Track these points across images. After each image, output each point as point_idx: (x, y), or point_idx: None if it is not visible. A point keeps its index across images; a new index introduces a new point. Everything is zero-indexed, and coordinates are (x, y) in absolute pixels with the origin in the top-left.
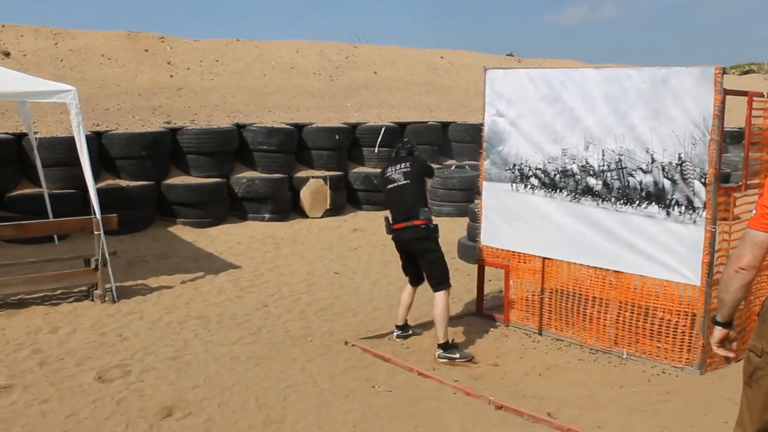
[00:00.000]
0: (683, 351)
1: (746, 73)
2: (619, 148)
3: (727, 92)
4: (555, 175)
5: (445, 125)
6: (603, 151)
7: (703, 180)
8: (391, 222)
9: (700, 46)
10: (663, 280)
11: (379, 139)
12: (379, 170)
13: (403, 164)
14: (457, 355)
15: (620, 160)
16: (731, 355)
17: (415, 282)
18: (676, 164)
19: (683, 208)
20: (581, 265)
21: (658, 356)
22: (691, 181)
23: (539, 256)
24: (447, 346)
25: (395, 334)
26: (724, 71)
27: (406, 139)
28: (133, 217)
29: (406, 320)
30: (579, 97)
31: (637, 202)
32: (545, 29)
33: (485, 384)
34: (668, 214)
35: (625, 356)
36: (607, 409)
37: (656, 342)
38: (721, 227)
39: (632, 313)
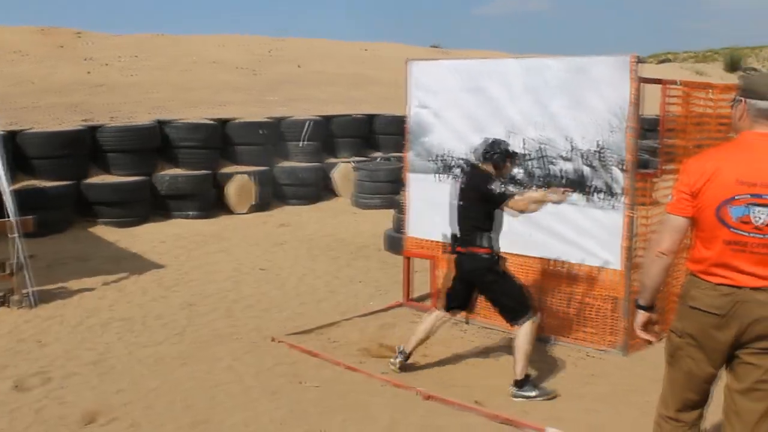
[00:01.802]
0: (606, 334)
1: (663, 62)
2: (540, 136)
3: (642, 80)
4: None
5: (371, 118)
6: (524, 140)
7: (621, 166)
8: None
9: (623, 36)
10: (584, 265)
11: (304, 133)
12: (304, 165)
13: (467, 177)
14: (534, 393)
15: (541, 148)
16: (653, 338)
17: (454, 308)
18: (596, 151)
19: (603, 194)
20: (507, 253)
21: (583, 340)
22: (610, 168)
23: None
24: (523, 384)
25: (397, 359)
26: (639, 60)
27: (491, 141)
28: (52, 218)
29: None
30: (500, 87)
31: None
32: (477, 21)
33: (413, 375)
34: (589, 200)
35: (552, 342)
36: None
37: (581, 326)
38: (640, 212)
39: (558, 298)
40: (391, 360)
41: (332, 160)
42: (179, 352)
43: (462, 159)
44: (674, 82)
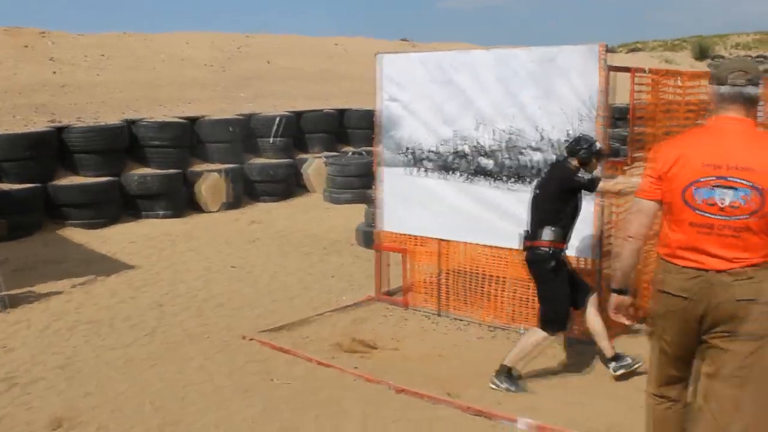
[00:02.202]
0: (582, 323)
1: (632, 51)
2: (510, 127)
3: (611, 69)
4: (448, 156)
5: (342, 112)
6: (494, 131)
7: None
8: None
9: (592, 27)
10: None
11: (274, 129)
12: (275, 161)
13: (551, 168)
14: (513, 388)
15: (511, 139)
16: (627, 321)
17: (579, 304)
18: (566, 141)
19: None
20: (477, 244)
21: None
22: None
23: (436, 238)
24: (504, 373)
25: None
26: (608, 49)
27: (579, 137)
28: (19, 221)
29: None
30: (470, 79)
31: (529, 179)
32: (443, 14)
33: (386, 369)
34: None
35: (522, 331)
36: None
37: None
38: (610, 200)
39: (528, 288)
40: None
41: (303, 155)
42: (149, 354)
43: (432, 151)
44: (643, 70)
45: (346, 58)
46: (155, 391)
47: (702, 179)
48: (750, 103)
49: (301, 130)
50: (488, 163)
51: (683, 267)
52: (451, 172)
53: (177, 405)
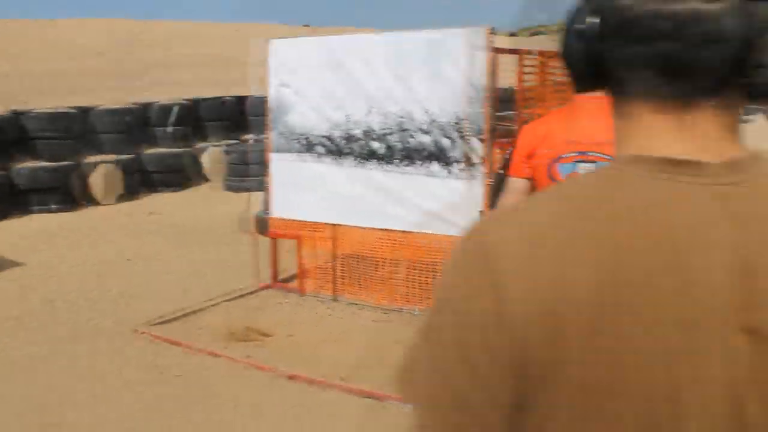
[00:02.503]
0: None
1: (535, 34)
2: (400, 110)
3: (497, 51)
4: (340, 141)
5: (241, 99)
6: (385, 114)
7: (479, 136)
8: None
9: (498, 10)
10: (448, 236)
11: (171, 118)
12: (173, 150)
13: None
14: None
15: (401, 122)
16: None
17: None
18: (454, 123)
19: (462, 164)
20: (370, 228)
21: None
22: (468, 139)
23: (329, 224)
24: None
25: None
26: (493, 31)
27: None
28: None
29: None
30: (360, 63)
31: (420, 162)
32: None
33: (279, 356)
34: (449, 171)
35: (417, 313)
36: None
37: None
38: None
39: (421, 270)
40: None
41: (202, 144)
42: (35, 353)
43: (324, 136)
44: (530, 52)
45: (247, 44)
46: (40, 392)
47: (564, 155)
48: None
49: (200, 119)
50: (380, 146)
51: None
52: (343, 157)
53: (62, 404)
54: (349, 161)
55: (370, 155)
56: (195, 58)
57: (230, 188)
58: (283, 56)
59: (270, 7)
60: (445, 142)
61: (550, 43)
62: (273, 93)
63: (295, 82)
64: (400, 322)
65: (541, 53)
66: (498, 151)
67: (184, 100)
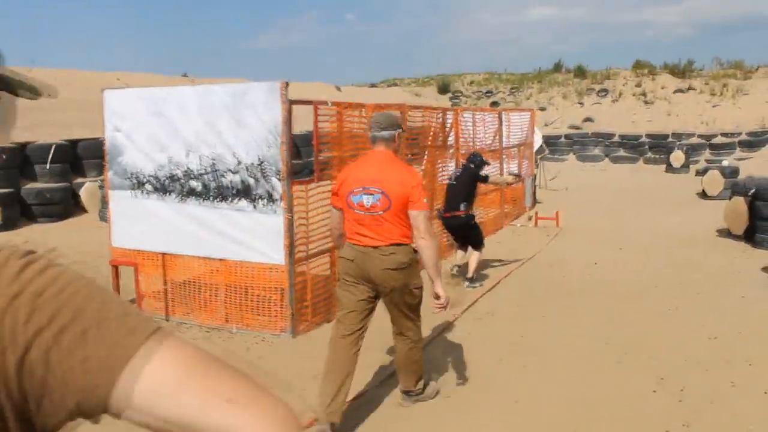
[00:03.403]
0: (277, 320)
1: (391, 86)
2: (212, 153)
3: (293, 102)
4: (164, 180)
5: None
6: (200, 156)
7: (278, 176)
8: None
9: (370, 64)
10: (257, 263)
11: (50, 156)
12: (51, 185)
13: (463, 169)
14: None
15: (213, 163)
16: None
17: (461, 247)
18: (257, 164)
19: (266, 200)
20: (194, 256)
21: (258, 327)
22: (269, 178)
23: (160, 252)
24: (472, 281)
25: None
26: (287, 85)
27: (475, 152)
28: None
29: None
30: (178, 111)
31: (230, 198)
32: (247, 52)
33: None
34: (255, 207)
35: (234, 331)
36: None
37: (257, 315)
38: (299, 214)
39: (237, 293)
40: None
41: (80, 179)
42: None
43: (151, 176)
44: (325, 103)
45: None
46: None
47: (355, 189)
48: (387, 141)
49: (78, 157)
50: (197, 185)
51: (352, 244)
52: (167, 194)
53: None
54: (172, 198)
55: (190, 193)
56: (76, 103)
57: (105, 219)
58: (115, 104)
59: (151, 59)
60: (251, 181)
61: (403, 94)
62: (108, 137)
63: (126, 127)
64: (218, 339)
65: (338, 104)
66: (298, 188)
67: (63, 140)
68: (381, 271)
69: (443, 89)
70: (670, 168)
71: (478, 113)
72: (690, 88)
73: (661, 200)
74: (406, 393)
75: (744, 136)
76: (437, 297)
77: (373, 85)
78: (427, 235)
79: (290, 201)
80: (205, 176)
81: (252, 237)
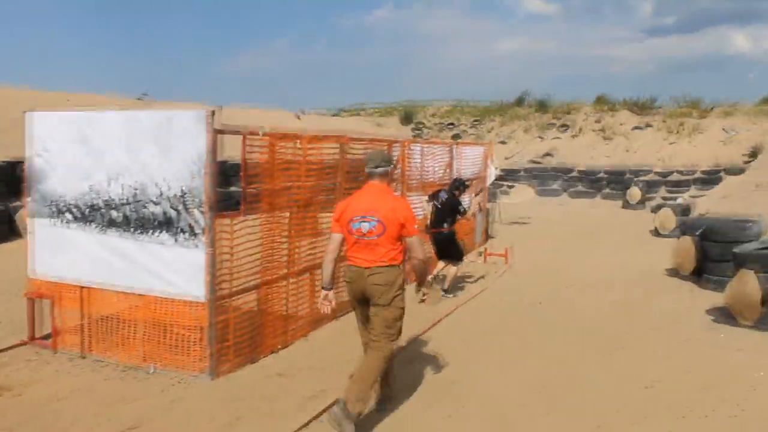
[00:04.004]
0: (196, 361)
1: (355, 115)
2: (135, 182)
3: (220, 132)
4: (85, 209)
5: None
6: (122, 185)
7: (201, 209)
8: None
9: (349, 90)
10: (177, 299)
11: None
12: None
13: (447, 195)
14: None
15: (136, 193)
16: (328, 310)
17: (442, 259)
18: (180, 196)
19: (188, 234)
20: (113, 290)
21: (177, 367)
22: (192, 210)
23: (79, 285)
24: (447, 291)
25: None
26: (213, 113)
27: (457, 177)
28: None
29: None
30: (102, 136)
31: (151, 231)
32: (226, 74)
33: (3, 414)
34: (176, 240)
35: (152, 371)
36: (111, 424)
37: (175, 354)
38: (223, 249)
39: (156, 330)
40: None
41: (18, 203)
42: None
43: (72, 204)
44: (256, 133)
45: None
46: None
47: (355, 218)
48: (381, 176)
49: (18, 179)
50: (118, 215)
51: (350, 265)
52: (88, 224)
53: None
54: (93, 228)
55: (111, 223)
56: (21, 122)
57: None
58: (37, 127)
59: (107, 79)
60: (173, 213)
61: (364, 123)
62: (29, 161)
63: (48, 152)
64: (131, 379)
65: (270, 134)
66: (222, 222)
67: (2, 161)
68: (371, 285)
69: (406, 120)
70: (626, 204)
71: (427, 146)
72: (648, 125)
73: (615, 237)
74: (347, 405)
75: (699, 174)
76: (418, 289)
77: (336, 114)
78: (420, 255)
79: (213, 235)
80: (127, 206)
81: (173, 272)
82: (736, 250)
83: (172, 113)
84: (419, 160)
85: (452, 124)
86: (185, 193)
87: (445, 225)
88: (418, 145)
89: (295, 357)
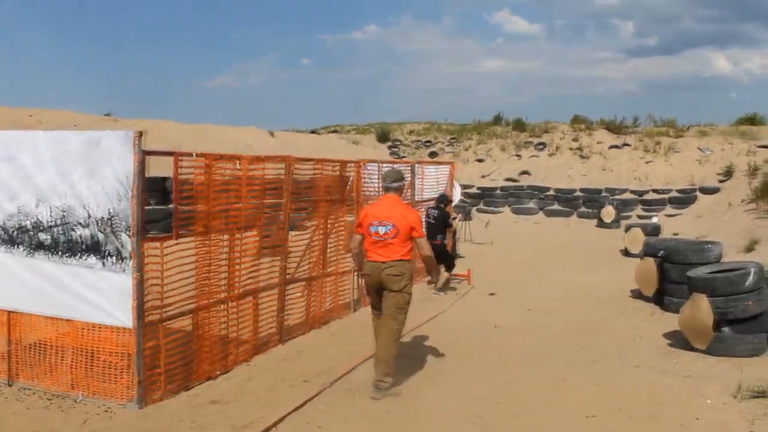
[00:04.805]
0: (125, 389)
1: (332, 132)
2: (63, 204)
3: (148, 153)
4: (13, 231)
5: None
6: (51, 207)
7: (128, 232)
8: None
9: (331, 108)
10: (105, 325)
11: None
12: None
13: (438, 211)
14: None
15: (64, 215)
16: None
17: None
18: (107, 218)
19: (115, 258)
20: (41, 315)
21: (106, 396)
22: (119, 234)
23: (5, 310)
24: (439, 289)
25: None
26: (141, 135)
27: (443, 194)
28: None
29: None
30: (30, 157)
31: (80, 254)
32: (205, 93)
33: None
34: (104, 264)
35: (80, 399)
36: None
37: (102, 382)
38: (153, 273)
39: (84, 357)
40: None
41: None
42: None
43: None
44: (189, 155)
45: (39, 128)
46: None
47: (374, 222)
48: (395, 190)
49: None
50: (46, 238)
51: (369, 260)
52: (16, 246)
53: None
54: (20, 251)
55: (39, 246)
56: None
57: None
58: None
59: (73, 95)
60: (101, 236)
61: (340, 141)
62: None
63: None
64: (56, 408)
65: (206, 155)
66: (151, 245)
67: None
68: (386, 275)
69: (382, 138)
70: (601, 223)
71: (386, 165)
72: (625, 144)
73: (586, 256)
74: (376, 385)
75: (674, 193)
76: (431, 282)
77: (314, 131)
78: (428, 252)
79: (140, 259)
80: (55, 229)
81: (100, 297)
82: (689, 273)
83: (101, 134)
84: (377, 181)
85: (429, 141)
86: (112, 216)
87: (439, 237)
88: (375, 164)
89: (234, 383)
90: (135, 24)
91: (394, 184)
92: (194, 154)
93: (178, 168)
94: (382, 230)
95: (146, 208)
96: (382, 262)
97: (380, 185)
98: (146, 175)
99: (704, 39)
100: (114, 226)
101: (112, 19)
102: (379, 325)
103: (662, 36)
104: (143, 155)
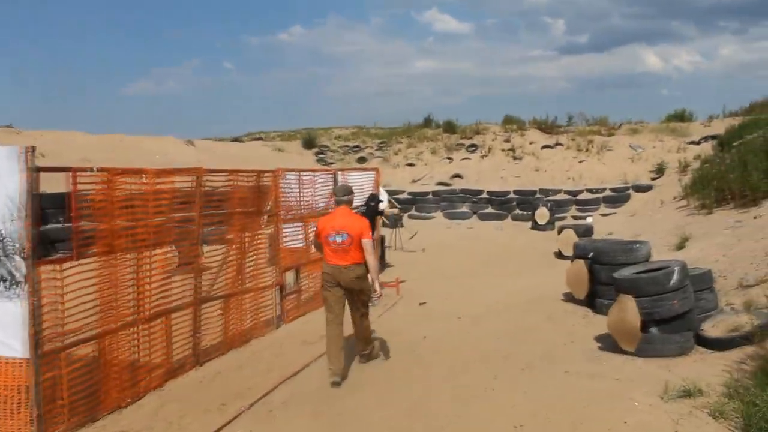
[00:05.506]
0: (23, 425)
1: (256, 139)
2: None
3: (42, 170)
4: None
5: None
6: None
7: (22, 254)
8: None
9: (256, 114)
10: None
11: None
12: None
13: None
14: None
15: None
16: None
17: None
18: None
19: (8, 283)
20: None
21: None
22: (12, 257)
23: None
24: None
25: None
26: (33, 150)
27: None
28: None
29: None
30: None
31: None
32: (119, 101)
33: None
34: None
35: None
36: None
37: (1, 419)
38: (51, 299)
39: None
40: None
41: None
42: None
43: None
44: (87, 170)
45: None
46: None
47: (331, 232)
48: (346, 202)
49: None
50: None
51: (328, 263)
52: None
53: None
54: None
55: None
56: None
57: None
58: None
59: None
60: None
61: (263, 148)
62: None
63: None
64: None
65: (108, 170)
66: (48, 268)
67: None
68: (349, 279)
69: (308, 144)
70: (535, 225)
71: (306, 174)
72: (558, 144)
73: (520, 260)
74: (361, 355)
75: (608, 192)
76: (375, 290)
77: (236, 139)
78: (372, 254)
79: (35, 284)
80: None
81: None
82: (614, 274)
83: None
84: (297, 190)
85: (357, 147)
86: (4, 238)
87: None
88: (294, 173)
89: (145, 412)
90: (40, 22)
91: (345, 198)
92: (94, 169)
93: (77, 185)
94: (339, 239)
95: (53, 226)
96: (343, 266)
97: (332, 199)
98: (54, 192)
99: (633, 36)
100: (6, 248)
101: (11, 16)
102: (334, 326)
103: (593, 33)
104: (36, 172)
